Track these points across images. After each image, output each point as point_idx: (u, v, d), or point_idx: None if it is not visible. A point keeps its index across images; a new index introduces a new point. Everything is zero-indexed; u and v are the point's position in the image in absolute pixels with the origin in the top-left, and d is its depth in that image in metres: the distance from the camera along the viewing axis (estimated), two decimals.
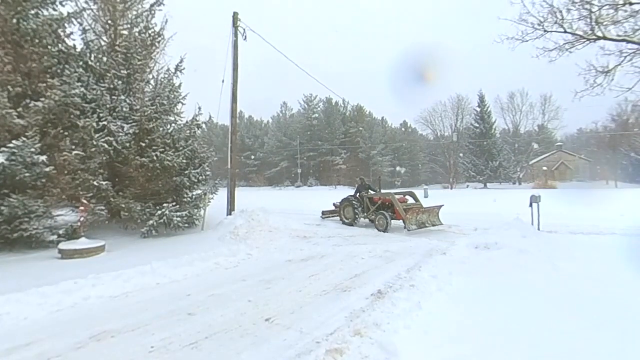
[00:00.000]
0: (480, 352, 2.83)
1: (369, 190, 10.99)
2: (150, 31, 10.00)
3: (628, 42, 7.65)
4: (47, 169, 6.75)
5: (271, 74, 62.16)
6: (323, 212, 11.69)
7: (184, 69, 10.02)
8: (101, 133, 7.91)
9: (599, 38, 7.83)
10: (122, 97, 8.56)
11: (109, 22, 9.65)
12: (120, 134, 8.06)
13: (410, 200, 10.50)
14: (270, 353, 2.87)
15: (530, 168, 46.74)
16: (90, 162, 7.64)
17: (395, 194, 10.33)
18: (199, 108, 9.87)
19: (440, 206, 10.09)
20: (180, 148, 9.18)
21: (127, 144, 8.20)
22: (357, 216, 10.34)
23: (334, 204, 11.62)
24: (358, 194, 10.90)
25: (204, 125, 11.24)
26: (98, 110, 8.11)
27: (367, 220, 10.49)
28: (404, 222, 9.25)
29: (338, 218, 11.11)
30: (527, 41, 8.41)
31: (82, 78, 8.10)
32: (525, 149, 49.53)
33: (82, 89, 7.77)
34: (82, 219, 7.03)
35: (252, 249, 6.92)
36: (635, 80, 7.88)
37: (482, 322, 3.40)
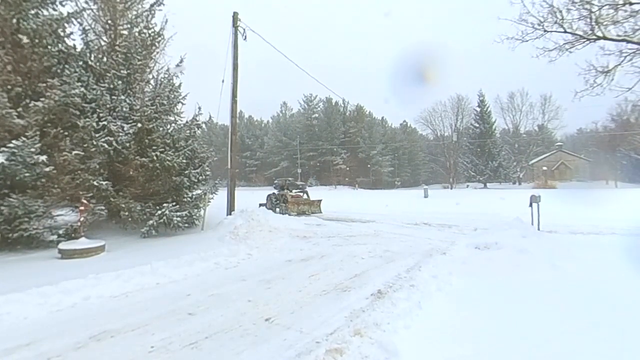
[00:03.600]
0: (481, 352, 2.83)
1: (283, 189, 15.36)
2: (150, 31, 9.99)
3: (628, 42, 7.65)
4: (47, 169, 6.74)
5: (271, 74, 62.21)
6: (260, 204, 14.15)
7: (184, 68, 10.03)
8: (101, 133, 7.90)
9: (599, 38, 7.83)
10: (122, 97, 8.55)
11: (109, 22, 9.64)
12: (120, 134, 8.06)
13: (305, 196, 14.97)
14: (270, 353, 2.87)
15: (530, 168, 46.74)
16: (90, 162, 7.64)
17: (297, 192, 15.24)
18: (199, 108, 9.88)
19: (320, 200, 14.65)
20: (180, 148, 9.17)
21: (127, 144, 8.19)
22: (273, 206, 14.17)
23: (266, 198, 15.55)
24: (278, 192, 15.25)
25: (204, 125, 11.26)
26: (98, 110, 8.10)
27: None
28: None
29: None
30: (527, 41, 8.41)
31: (82, 78, 8.09)
32: (525, 149, 49.52)
33: (82, 89, 7.76)
34: (82, 219, 7.03)
35: (252, 249, 6.92)
36: (635, 80, 7.88)
37: (483, 322, 3.40)
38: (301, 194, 15.16)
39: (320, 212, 13.89)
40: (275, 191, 15.38)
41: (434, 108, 52.26)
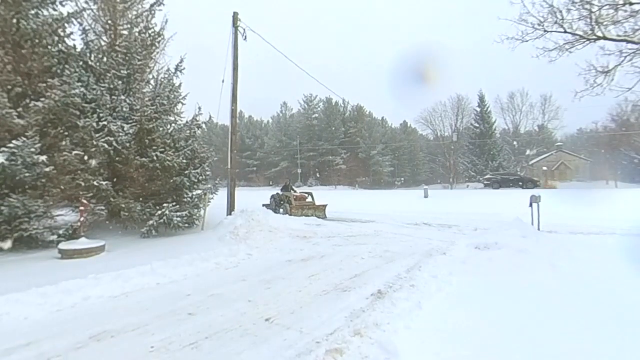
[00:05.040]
0: (481, 352, 2.83)
1: (289, 190, 14.72)
2: (150, 31, 10.00)
3: (628, 42, 7.65)
4: (47, 169, 6.74)
5: (271, 73, 62.26)
6: (263, 205, 13.51)
7: (184, 69, 10.03)
8: (101, 133, 7.90)
9: (599, 38, 7.83)
10: (122, 97, 8.56)
11: (109, 22, 9.65)
12: (120, 134, 8.06)
13: (309, 198, 14.10)
14: (270, 353, 2.86)
15: (530, 168, 46.72)
16: (91, 162, 7.63)
17: (303, 192, 14.58)
18: (199, 108, 9.89)
19: (325, 205, 13.57)
20: (180, 148, 9.18)
21: (127, 144, 8.20)
22: (277, 207, 13.57)
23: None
24: (282, 192, 14.58)
25: (204, 125, 11.26)
26: (98, 110, 8.10)
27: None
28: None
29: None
30: (527, 41, 8.42)
31: (82, 78, 8.09)
32: (525, 149, 49.51)
33: (82, 89, 7.76)
34: (82, 219, 7.03)
35: (252, 249, 6.92)
36: (635, 80, 7.89)
37: (483, 322, 3.40)
38: (305, 195, 14.40)
39: (325, 217, 12.99)
40: (279, 191, 14.79)
41: (434, 108, 52.27)
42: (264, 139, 58.53)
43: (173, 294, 4.41)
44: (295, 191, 14.98)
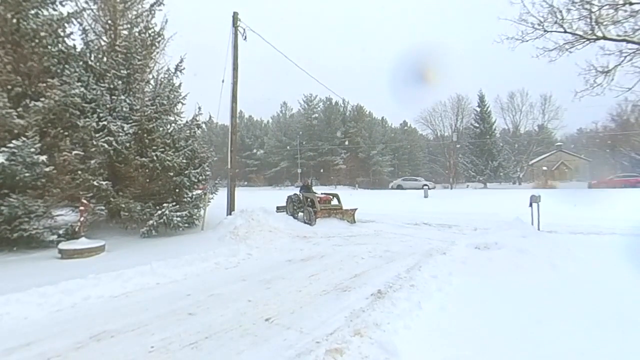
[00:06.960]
0: (481, 352, 2.83)
1: (311, 191, 12.63)
2: (150, 31, 10.00)
3: (628, 42, 7.66)
4: (47, 169, 6.74)
5: (271, 73, 62.33)
6: (277, 208, 12.42)
7: (184, 69, 10.04)
8: (101, 133, 7.90)
9: (599, 38, 7.84)
10: (122, 97, 8.56)
11: (109, 22, 9.64)
12: (120, 134, 8.06)
13: (335, 201, 11.84)
14: (270, 353, 2.87)
15: (530, 168, 46.72)
16: (90, 162, 7.64)
17: (325, 194, 12.12)
18: (199, 108, 9.89)
19: (355, 209, 11.60)
20: (180, 148, 9.18)
21: (127, 144, 8.19)
22: (295, 210, 11.87)
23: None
24: (301, 193, 12.38)
25: (204, 125, 11.23)
26: (98, 110, 8.10)
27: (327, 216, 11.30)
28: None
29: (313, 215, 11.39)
30: (527, 41, 8.44)
31: (82, 78, 8.09)
32: (525, 149, 49.50)
33: (82, 89, 7.76)
34: (82, 219, 7.02)
35: (252, 249, 6.92)
36: (635, 80, 7.91)
37: (483, 322, 3.40)
38: (330, 196, 12.02)
39: (355, 222, 11.21)
40: (298, 192, 12.44)
41: (434, 108, 52.11)
42: (264, 139, 58.50)
43: (173, 294, 4.41)
44: (311, 190, 12.78)
